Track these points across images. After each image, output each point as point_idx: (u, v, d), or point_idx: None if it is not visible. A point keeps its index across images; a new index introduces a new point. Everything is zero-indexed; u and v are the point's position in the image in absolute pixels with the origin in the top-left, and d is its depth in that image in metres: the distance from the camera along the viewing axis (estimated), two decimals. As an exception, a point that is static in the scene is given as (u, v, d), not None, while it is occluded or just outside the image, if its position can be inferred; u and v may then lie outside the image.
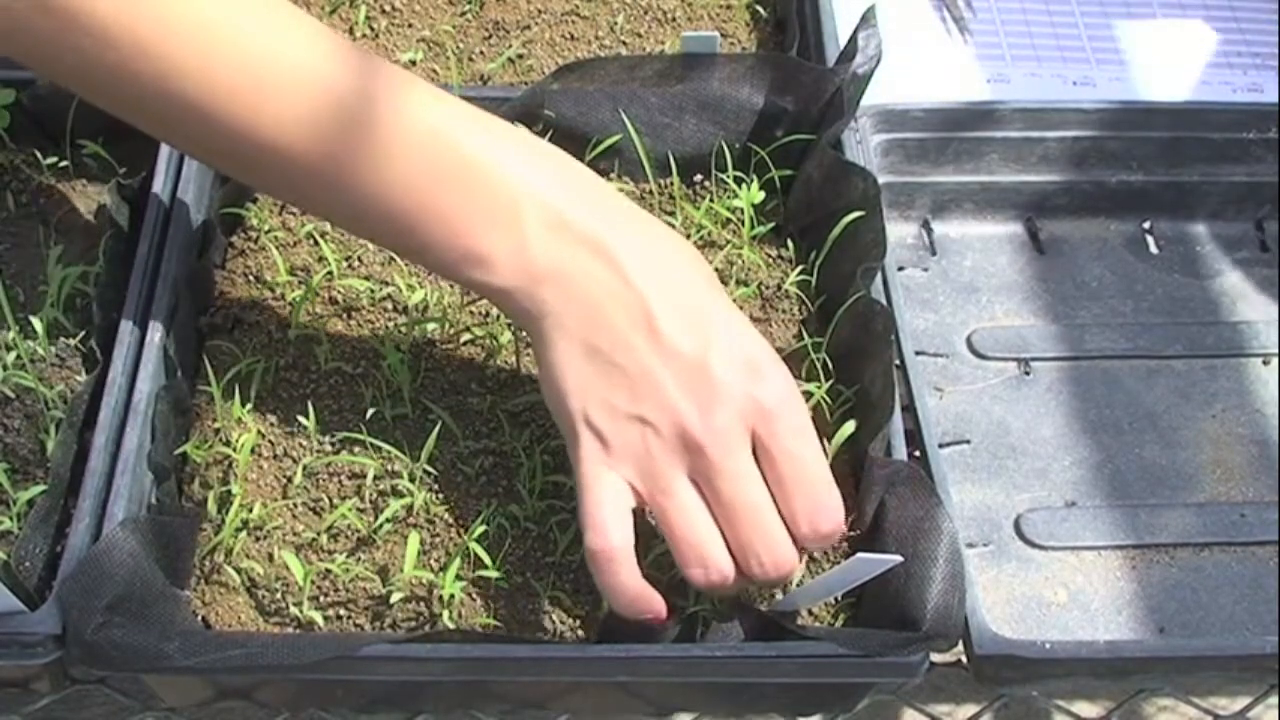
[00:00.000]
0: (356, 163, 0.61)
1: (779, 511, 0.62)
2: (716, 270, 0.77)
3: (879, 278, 0.75)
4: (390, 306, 0.76)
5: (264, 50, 0.60)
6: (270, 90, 0.60)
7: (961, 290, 0.88)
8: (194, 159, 0.76)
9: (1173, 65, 0.95)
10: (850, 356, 0.74)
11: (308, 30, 0.62)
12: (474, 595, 0.67)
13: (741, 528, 0.61)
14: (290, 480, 0.70)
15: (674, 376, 0.60)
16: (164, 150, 0.77)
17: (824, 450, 0.64)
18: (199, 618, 0.66)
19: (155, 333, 0.70)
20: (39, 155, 0.80)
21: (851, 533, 0.69)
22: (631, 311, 0.61)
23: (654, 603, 0.62)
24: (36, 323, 0.72)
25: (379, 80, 0.62)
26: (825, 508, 0.62)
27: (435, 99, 0.63)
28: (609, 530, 0.61)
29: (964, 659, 0.66)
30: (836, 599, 0.68)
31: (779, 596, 0.67)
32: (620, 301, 0.61)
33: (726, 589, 0.63)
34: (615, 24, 0.91)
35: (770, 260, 0.80)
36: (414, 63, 0.88)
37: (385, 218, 0.63)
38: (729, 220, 0.80)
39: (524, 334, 0.71)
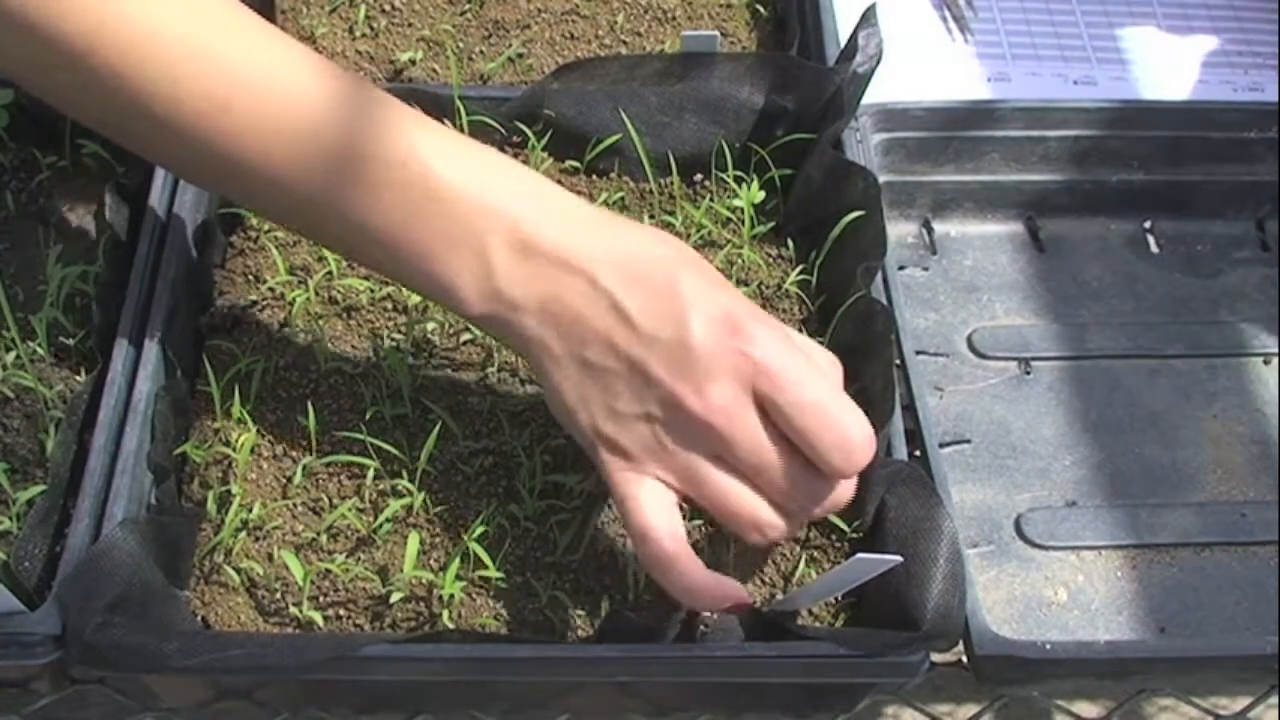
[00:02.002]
0: (328, 189, 0.61)
1: (812, 455, 0.60)
2: (717, 269, 0.77)
3: (879, 277, 0.75)
4: (390, 306, 0.76)
5: (236, 69, 0.60)
6: (240, 111, 0.59)
7: (962, 289, 0.88)
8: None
9: (1173, 64, 0.95)
10: (850, 356, 0.74)
11: (280, 50, 0.61)
12: (474, 595, 0.67)
13: (776, 488, 0.61)
14: (290, 480, 0.70)
15: (661, 363, 0.60)
16: (164, 150, 0.77)
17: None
18: (199, 618, 0.66)
19: (155, 333, 0.70)
20: (39, 155, 0.80)
21: (852, 534, 0.69)
22: (605, 313, 0.60)
23: (731, 589, 0.61)
24: (36, 323, 0.72)
25: (354, 105, 0.61)
26: (852, 441, 0.60)
27: (410, 125, 0.62)
28: (660, 535, 0.60)
29: (964, 659, 0.66)
30: (836, 599, 0.68)
31: (779, 597, 0.68)
32: (594, 307, 0.60)
33: (792, 534, 0.64)
34: (615, 23, 0.91)
35: (770, 260, 0.80)
36: (414, 62, 0.88)
37: (358, 242, 0.63)
38: (729, 220, 0.80)
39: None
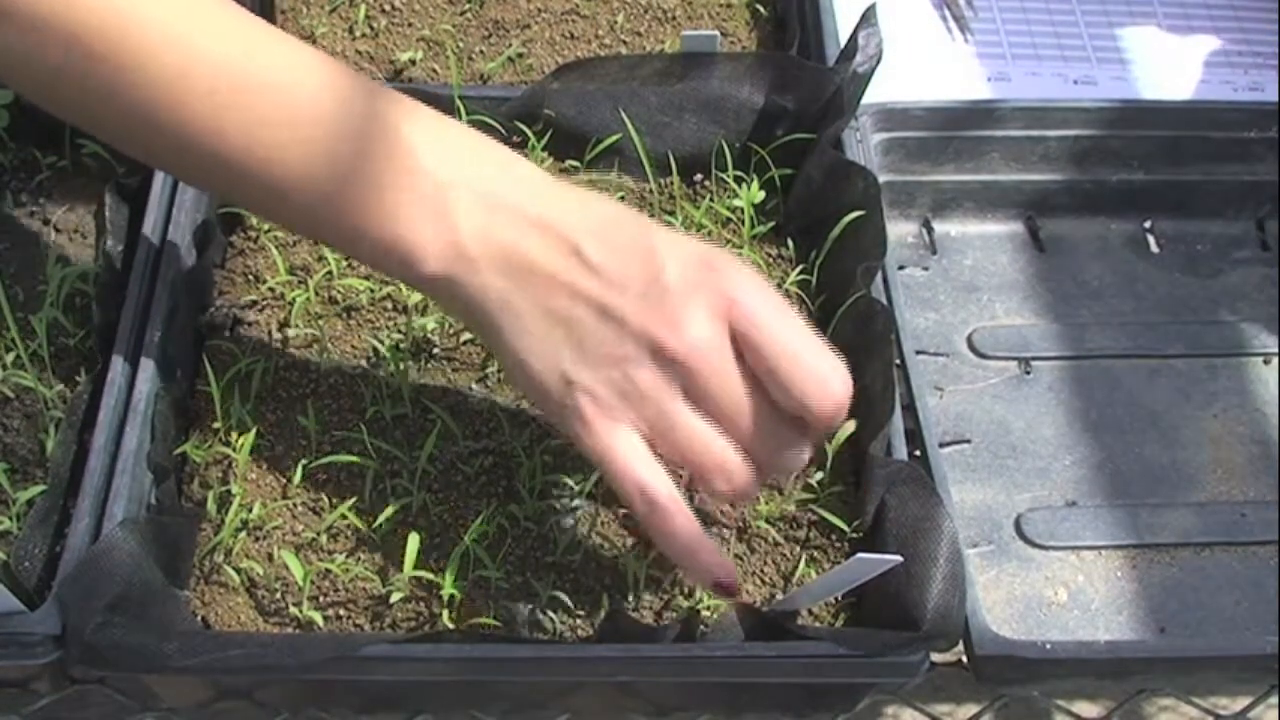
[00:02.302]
0: (285, 154, 0.59)
1: (786, 397, 0.58)
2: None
3: (879, 277, 0.75)
4: (390, 306, 0.76)
5: (187, 49, 0.58)
6: (194, 82, 0.58)
7: (962, 289, 0.88)
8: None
9: (1174, 64, 0.95)
10: (850, 356, 0.73)
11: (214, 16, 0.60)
12: (474, 595, 0.67)
13: (746, 431, 0.59)
14: (290, 480, 0.70)
15: (633, 303, 0.58)
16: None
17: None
18: (199, 618, 0.66)
19: (155, 333, 0.70)
20: (39, 155, 0.80)
21: (852, 534, 0.69)
22: (572, 265, 0.58)
23: (713, 552, 0.60)
24: (36, 323, 0.72)
25: (318, 72, 0.60)
26: (830, 380, 0.59)
27: (367, 91, 0.61)
28: (648, 484, 0.58)
29: (964, 659, 0.66)
30: (836, 599, 0.68)
31: (779, 597, 0.68)
32: (560, 259, 0.59)
33: (750, 493, 0.61)
34: (615, 23, 0.91)
35: (770, 260, 0.80)
36: (414, 62, 0.88)
37: (316, 206, 0.61)
38: (729, 220, 0.80)
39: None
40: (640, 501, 0.59)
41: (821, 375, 0.58)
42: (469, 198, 0.59)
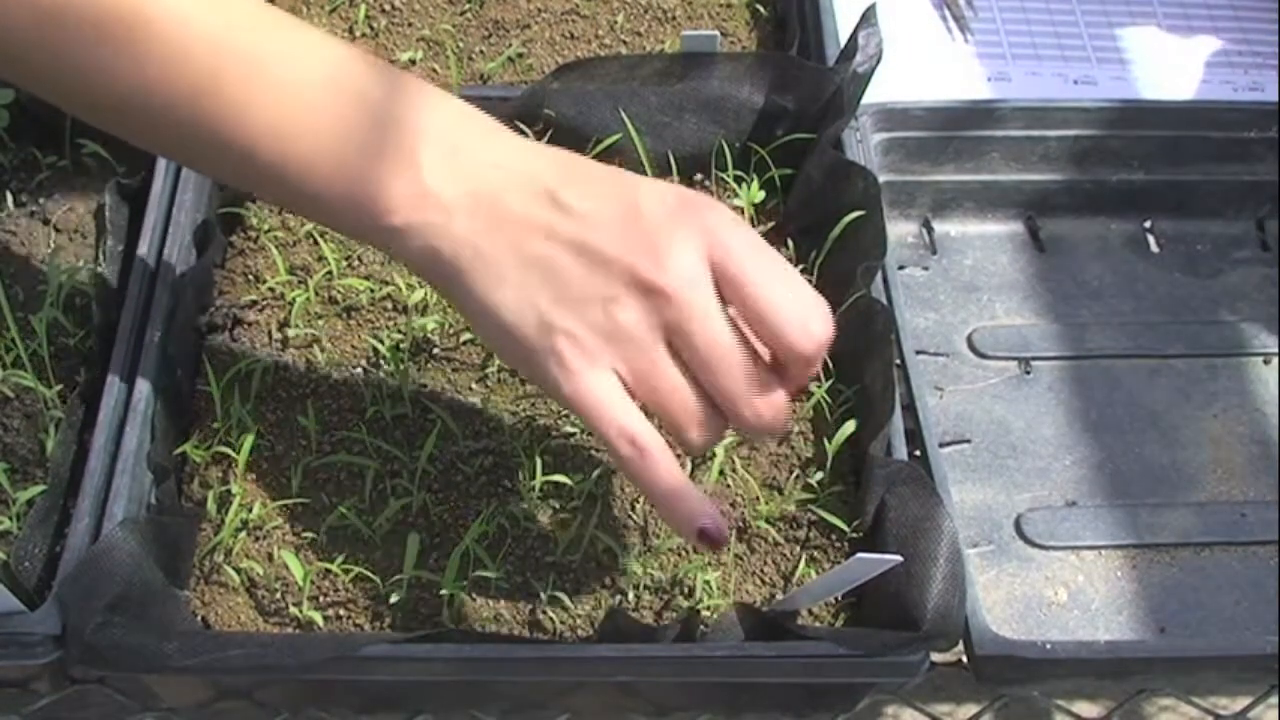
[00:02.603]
0: (243, 110, 0.57)
1: (766, 333, 0.57)
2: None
3: (879, 277, 0.75)
4: (390, 306, 0.76)
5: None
6: (143, 34, 0.56)
7: (962, 289, 0.88)
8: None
9: (1173, 64, 0.95)
10: (851, 356, 0.74)
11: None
12: (474, 595, 0.67)
13: (725, 376, 0.56)
14: (290, 480, 0.70)
15: (613, 240, 0.56)
16: (164, 150, 0.77)
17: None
18: (199, 618, 0.66)
19: (155, 333, 0.70)
20: (39, 155, 0.80)
21: (852, 534, 0.69)
22: (546, 206, 0.57)
23: (700, 498, 0.57)
24: (36, 323, 0.72)
25: (269, 26, 0.58)
26: (813, 311, 0.57)
27: (330, 46, 0.59)
28: (628, 425, 0.56)
29: (964, 659, 0.66)
30: (836, 599, 0.68)
31: (779, 597, 0.68)
32: (532, 201, 0.57)
33: (714, 442, 0.59)
34: (615, 23, 0.91)
35: (770, 260, 0.80)
36: (414, 62, 0.88)
37: (278, 166, 0.58)
38: (729, 220, 0.80)
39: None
40: (623, 445, 0.56)
41: (802, 312, 0.56)
42: (439, 148, 0.57)
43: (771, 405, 0.57)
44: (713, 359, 0.56)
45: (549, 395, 0.58)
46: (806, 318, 0.56)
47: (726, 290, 0.56)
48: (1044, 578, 0.76)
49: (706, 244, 0.56)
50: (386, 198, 0.57)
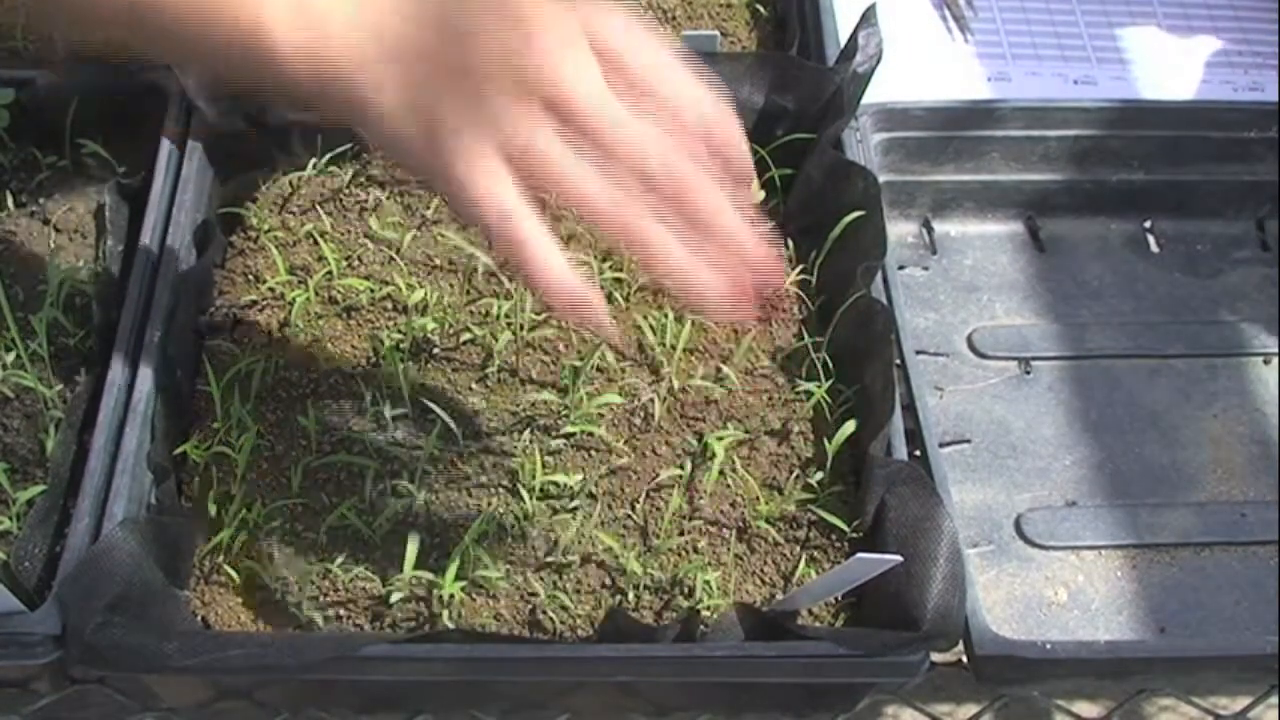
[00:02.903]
0: None
1: (659, 100, 0.57)
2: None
3: (879, 277, 0.75)
4: (390, 306, 0.76)
5: None
6: None
7: (962, 289, 0.88)
8: None
9: (1174, 64, 0.95)
10: (850, 356, 0.74)
11: None
12: (474, 595, 0.67)
13: (622, 143, 0.56)
14: (290, 480, 0.70)
15: (487, 33, 0.56)
16: (164, 150, 0.77)
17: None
18: (199, 618, 0.66)
19: (155, 333, 0.70)
20: (39, 155, 0.80)
21: (852, 534, 0.69)
22: (421, 8, 0.57)
23: (575, 278, 0.57)
24: (36, 323, 0.72)
25: None
26: (702, 93, 0.57)
27: None
28: (496, 193, 0.56)
29: (964, 659, 0.66)
30: (836, 599, 0.68)
31: (779, 597, 0.68)
32: (409, 6, 0.57)
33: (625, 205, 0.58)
34: (615, 23, 0.91)
35: (770, 260, 0.80)
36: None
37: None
38: (729, 220, 0.80)
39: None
40: (482, 216, 0.56)
41: (695, 96, 0.57)
42: None
43: (676, 158, 0.57)
44: (606, 130, 0.56)
45: (433, 185, 0.59)
46: (699, 104, 0.57)
47: (616, 80, 0.57)
48: (1044, 578, 0.76)
49: (590, 28, 0.57)
50: (268, 25, 0.57)
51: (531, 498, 0.69)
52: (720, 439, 0.71)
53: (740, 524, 0.70)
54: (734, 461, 0.71)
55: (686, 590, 0.68)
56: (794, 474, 0.72)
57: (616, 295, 0.77)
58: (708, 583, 0.67)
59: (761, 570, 0.69)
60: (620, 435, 0.72)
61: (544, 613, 0.66)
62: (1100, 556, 0.77)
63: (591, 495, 0.70)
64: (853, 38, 0.79)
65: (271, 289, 0.76)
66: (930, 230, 0.90)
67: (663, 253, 0.57)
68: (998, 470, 0.80)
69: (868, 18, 0.80)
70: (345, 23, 0.57)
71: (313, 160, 0.81)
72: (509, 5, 0.57)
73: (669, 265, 0.57)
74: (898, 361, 0.72)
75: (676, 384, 0.74)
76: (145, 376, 0.68)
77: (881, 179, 0.77)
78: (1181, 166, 0.89)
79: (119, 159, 0.80)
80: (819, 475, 0.71)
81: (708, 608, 0.66)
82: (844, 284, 0.74)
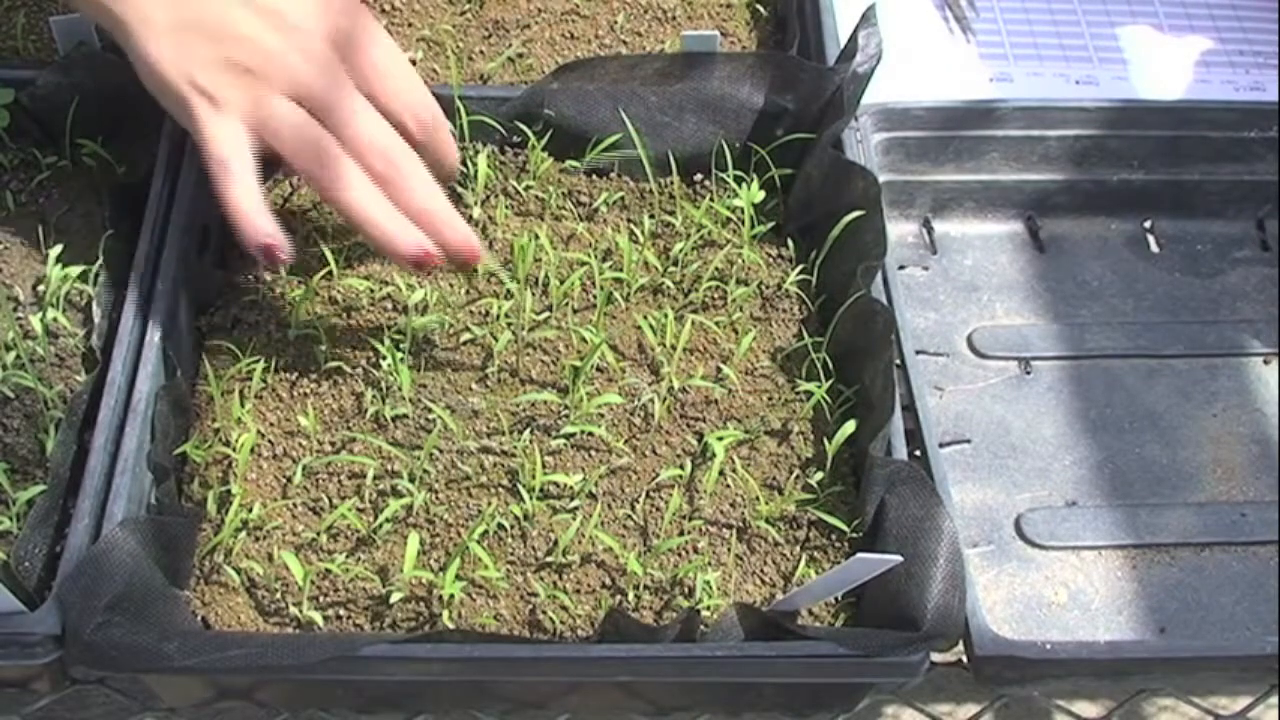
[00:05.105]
0: None
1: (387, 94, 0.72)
2: (717, 269, 0.78)
3: (879, 277, 0.75)
4: (390, 306, 0.76)
5: None
6: None
7: (962, 289, 0.88)
8: None
9: (1174, 64, 0.95)
10: (850, 356, 0.74)
11: None
12: (474, 595, 0.67)
13: (348, 121, 0.69)
14: (290, 480, 0.70)
15: (253, 22, 0.69)
16: (163, 150, 0.77)
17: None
18: (199, 618, 0.66)
19: (155, 333, 0.70)
20: (39, 155, 0.80)
21: (852, 534, 0.69)
22: None
23: (274, 228, 0.68)
24: (36, 323, 0.72)
25: None
26: (419, 101, 0.73)
27: None
28: (222, 148, 0.68)
29: (964, 659, 0.66)
30: (836, 599, 0.68)
31: (779, 597, 0.68)
32: None
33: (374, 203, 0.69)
34: (615, 23, 0.91)
35: (770, 260, 0.80)
36: (414, 62, 0.88)
37: None
38: (729, 220, 0.80)
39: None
40: (208, 165, 0.68)
41: (419, 103, 0.73)
42: None
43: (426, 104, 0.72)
44: (346, 112, 0.70)
45: (192, 136, 0.70)
46: (419, 111, 0.72)
47: (357, 82, 0.71)
48: (1044, 578, 0.76)
49: (334, 38, 0.70)
50: None
51: (531, 498, 0.69)
52: (720, 439, 0.71)
53: (740, 524, 0.70)
54: (734, 461, 0.71)
55: (686, 590, 0.68)
56: (794, 474, 0.72)
57: (616, 295, 0.77)
58: (708, 583, 0.67)
59: (761, 570, 0.69)
60: (620, 435, 0.72)
61: (544, 613, 0.66)
62: (1100, 556, 0.77)
63: (591, 495, 0.70)
64: (853, 38, 0.79)
65: (271, 289, 0.76)
66: (930, 230, 0.90)
67: (364, 208, 0.69)
68: (998, 470, 0.80)
69: (868, 18, 0.80)
70: None
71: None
72: (277, 15, 0.69)
73: (368, 219, 0.69)
74: (898, 361, 0.72)
75: (676, 384, 0.74)
76: (145, 376, 0.68)
77: (881, 179, 0.77)
78: (1181, 166, 0.89)
79: (119, 159, 0.80)
80: (819, 475, 0.71)
81: (708, 608, 0.66)
82: (844, 284, 0.74)
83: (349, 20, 0.71)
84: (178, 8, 0.69)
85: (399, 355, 0.73)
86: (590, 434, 0.72)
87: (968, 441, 0.81)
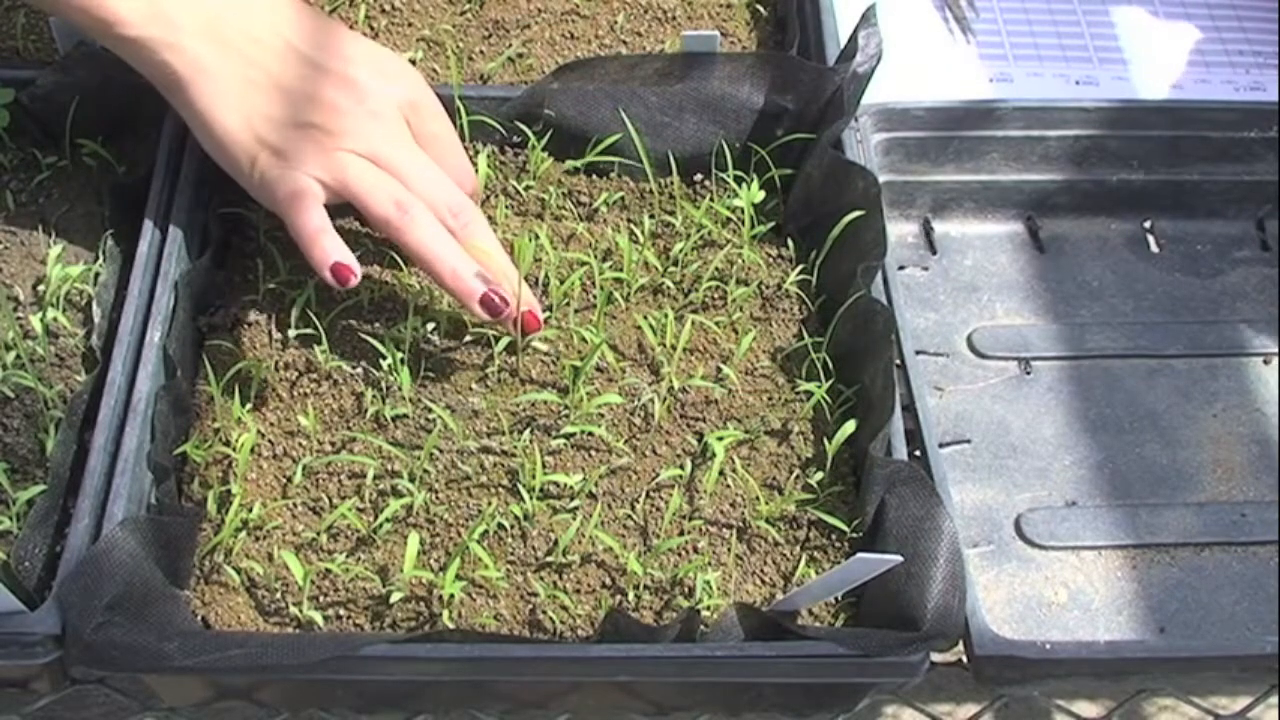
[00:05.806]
0: None
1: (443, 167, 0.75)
2: (717, 270, 0.78)
3: (879, 277, 0.75)
4: (390, 306, 0.76)
5: None
6: None
7: (962, 289, 0.88)
8: None
9: (1175, 64, 0.95)
10: (850, 356, 0.74)
11: None
12: (474, 595, 0.67)
13: (417, 177, 0.73)
14: (290, 480, 0.70)
15: (326, 85, 0.71)
16: (163, 150, 0.77)
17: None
18: (199, 618, 0.66)
19: (155, 333, 0.70)
20: (39, 155, 0.80)
21: (852, 534, 0.69)
22: (275, 43, 0.71)
23: (339, 248, 0.70)
24: (36, 323, 0.72)
25: None
26: (468, 171, 0.77)
27: None
28: (297, 186, 0.70)
29: (964, 659, 0.66)
30: (836, 599, 0.68)
31: (779, 597, 0.68)
32: (260, 29, 0.70)
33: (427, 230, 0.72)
34: (615, 23, 0.91)
35: (770, 260, 0.80)
36: (414, 62, 0.88)
37: None
38: (729, 220, 0.80)
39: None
40: (282, 206, 0.71)
41: (462, 172, 0.76)
42: None
43: (438, 190, 0.74)
44: (406, 166, 0.73)
45: (256, 198, 0.73)
46: (463, 179, 0.76)
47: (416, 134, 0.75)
48: (1044, 578, 0.76)
49: (400, 106, 0.73)
50: (116, 8, 0.67)
51: (531, 498, 0.69)
52: (720, 439, 0.71)
53: (740, 524, 0.70)
54: (734, 461, 0.71)
55: (686, 590, 0.68)
56: (794, 474, 0.72)
57: (616, 295, 0.77)
58: (708, 583, 0.67)
59: (761, 570, 0.69)
60: (620, 435, 0.72)
61: (544, 613, 0.66)
62: (1100, 556, 0.77)
63: (591, 495, 0.70)
64: (853, 38, 0.79)
65: (271, 289, 0.76)
66: (930, 230, 0.90)
67: (437, 250, 0.71)
68: (998, 470, 0.80)
69: (868, 18, 0.80)
70: (201, 32, 0.69)
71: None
72: (346, 80, 0.72)
73: (439, 259, 0.71)
74: (898, 361, 0.72)
75: (676, 384, 0.74)
76: (145, 376, 0.68)
77: (881, 179, 0.77)
78: (1181, 166, 0.89)
79: (119, 159, 0.80)
80: (819, 475, 0.71)
81: (708, 608, 0.67)
82: (844, 284, 0.74)
83: (417, 92, 0.75)
84: (245, 66, 0.70)
85: (399, 355, 0.73)
86: (590, 434, 0.72)
87: (968, 441, 0.81)
